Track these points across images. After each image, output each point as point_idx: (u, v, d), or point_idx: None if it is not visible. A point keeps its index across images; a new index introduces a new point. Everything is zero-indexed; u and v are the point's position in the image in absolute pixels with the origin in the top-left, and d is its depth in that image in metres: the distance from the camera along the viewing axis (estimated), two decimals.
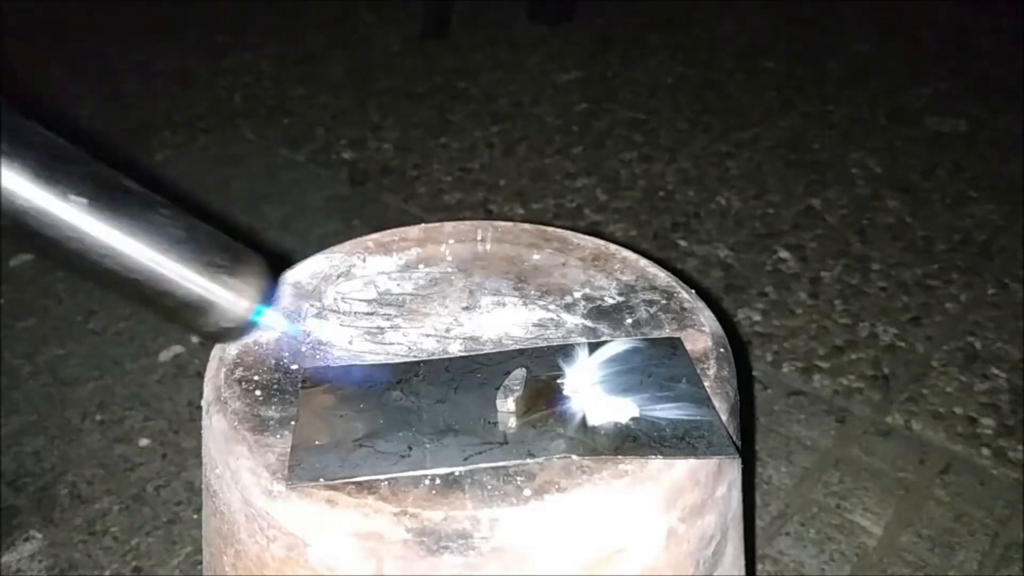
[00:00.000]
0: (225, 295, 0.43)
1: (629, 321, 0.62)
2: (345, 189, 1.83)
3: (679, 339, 0.60)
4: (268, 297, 0.45)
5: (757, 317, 1.43)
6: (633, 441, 0.50)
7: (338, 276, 0.67)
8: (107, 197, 0.39)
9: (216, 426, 0.53)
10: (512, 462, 0.49)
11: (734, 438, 0.53)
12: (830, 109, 2.11)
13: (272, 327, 0.47)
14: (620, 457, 0.49)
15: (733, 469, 0.54)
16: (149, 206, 0.41)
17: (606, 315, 0.63)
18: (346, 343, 0.60)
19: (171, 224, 0.42)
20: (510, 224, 0.73)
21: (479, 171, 1.88)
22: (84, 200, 0.38)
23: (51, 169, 0.38)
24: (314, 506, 0.47)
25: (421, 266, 0.69)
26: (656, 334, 0.61)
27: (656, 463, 0.49)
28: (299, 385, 0.56)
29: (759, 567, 1.03)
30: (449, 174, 1.87)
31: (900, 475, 1.14)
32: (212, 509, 0.54)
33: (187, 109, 2.14)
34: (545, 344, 0.60)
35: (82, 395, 1.30)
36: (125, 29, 2.56)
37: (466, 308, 0.64)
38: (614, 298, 0.65)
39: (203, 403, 0.56)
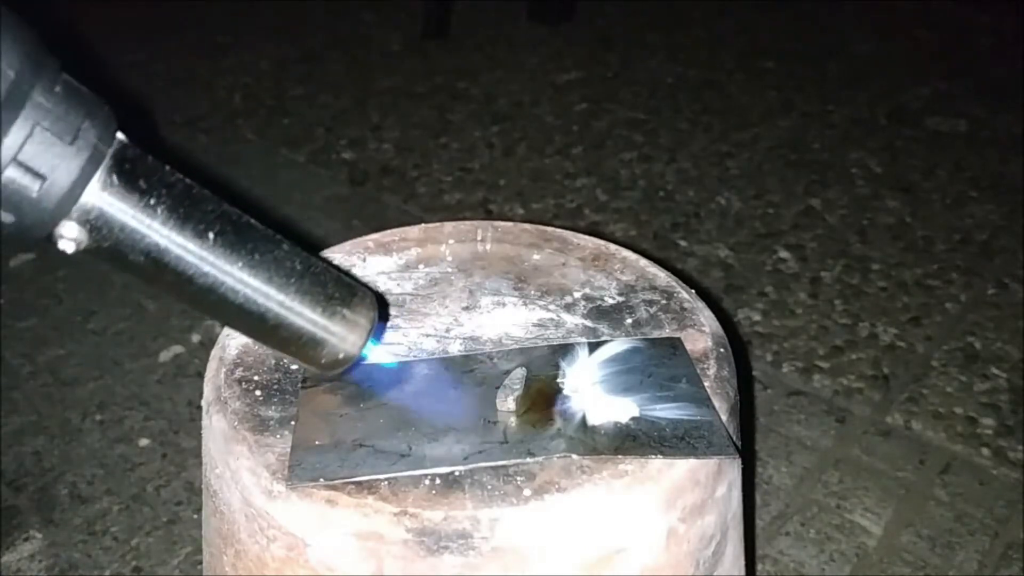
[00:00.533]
0: (340, 331, 0.44)
1: (629, 321, 0.62)
2: (345, 189, 1.83)
3: (679, 339, 0.60)
4: (377, 332, 0.46)
5: (757, 317, 1.43)
6: (633, 441, 0.50)
7: None
8: (237, 232, 0.40)
9: (216, 426, 0.53)
10: (512, 461, 0.49)
11: (734, 438, 0.53)
12: (830, 109, 2.11)
13: (378, 361, 0.49)
14: (620, 457, 0.49)
15: (733, 469, 0.54)
16: (272, 241, 0.42)
17: (606, 315, 0.63)
18: None
19: (291, 259, 0.43)
20: (510, 224, 0.73)
21: (479, 171, 1.88)
22: (219, 236, 0.39)
23: (189, 207, 0.38)
24: (314, 506, 0.47)
25: (421, 266, 0.69)
26: (656, 334, 0.61)
27: (656, 463, 0.49)
28: (299, 385, 0.56)
29: (759, 567, 1.03)
30: (449, 174, 1.87)
31: (900, 475, 1.14)
32: (212, 509, 0.54)
33: (187, 109, 2.14)
34: (545, 344, 0.60)
35: (82, 395, 1.30)
36: (125, 29, 2.56)
37: (466, 308, 0.64)
38: (614, 298, 0.65)
39: (203, 403, 0.56)
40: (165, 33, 2.56)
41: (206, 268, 0.39)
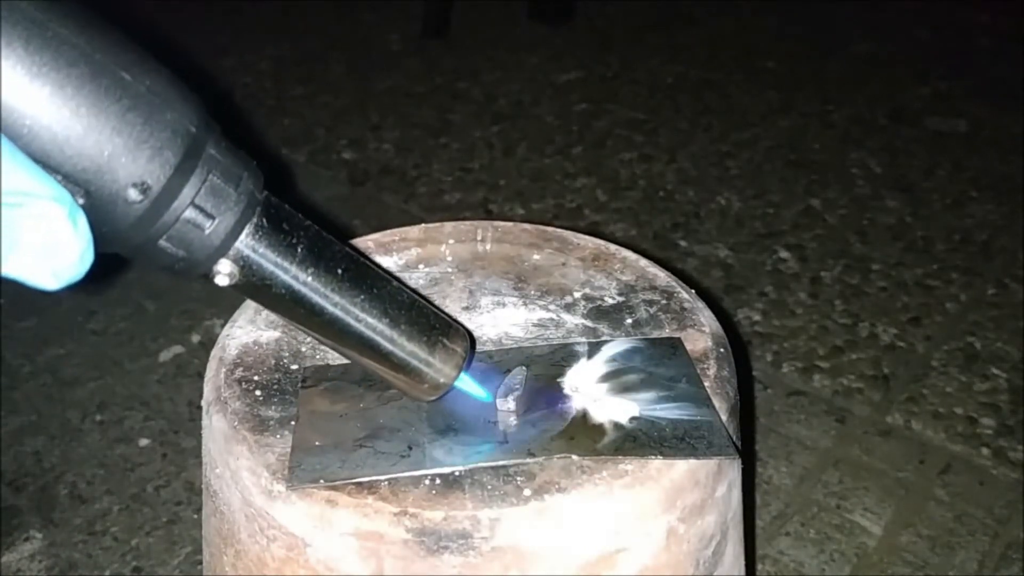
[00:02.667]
0: (439, 361, 0.49)
1: (629, 321, 0.62)
2: (345, 189, 1.83)
3: (679, 339, 0.60)
4: (469, 363, 0.51)
5: (757, 317, 1.44)
6: (633, 441, 0.50)
7: None
8: (358, 270, 0.46)
9: (216, 426, 0.53)
10: (512, 462, 0.49)
11: (734, 438, 0.53)
12: (830, 109, 2.11)
13: (469, 390, 0.53)
14: (620, 457, 0.49)
15: (733, 469, 0.54)
16: (384, 278, 0.48)
17: (606, 315, 0.63)
18: None
19: (400, 294, 0.48)
20: (510, 224, 0.73)
21: (479, 171, 1.89)
22: (346, 272, 0.45)
23: (321, 247, 0.44)
24: (314, 506, 0.47)
25: (421, 266, 0.69)
26: (656, 334, 0.61)
27: (656, 463, 0.49)
28: (299, 385, 0.56)
29: (759, 567, 1.03)
30: (449, 174, 1.87)
31: (900, 475, 1.14)
32: (212, 509, 0.54)
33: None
34: (545, 344, 0.60)
35: (82, 395, 1.30)
36: (125, 29, 2.56)
37: (466, 308, 0.64)
38: (614, 298, 0.65)
39: (203, 403, 0.56)
40: (165, 33, 2.56)
41: (335, 301, 0.45)
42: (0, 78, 0.32)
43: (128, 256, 0.40)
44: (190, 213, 0.38)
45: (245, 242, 0.41)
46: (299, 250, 0.43)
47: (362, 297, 0.46)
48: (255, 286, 0.43)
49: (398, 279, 0.51)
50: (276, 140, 2.02)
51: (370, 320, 0.46)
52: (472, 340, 0.53)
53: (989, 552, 1.04)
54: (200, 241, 0.39)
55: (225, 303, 1.45)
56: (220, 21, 2.64)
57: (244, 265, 0.41)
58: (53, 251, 0.33)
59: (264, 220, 0.42)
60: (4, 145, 0.32)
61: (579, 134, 2.02)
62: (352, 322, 0.46)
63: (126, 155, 0.35)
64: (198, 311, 1.46)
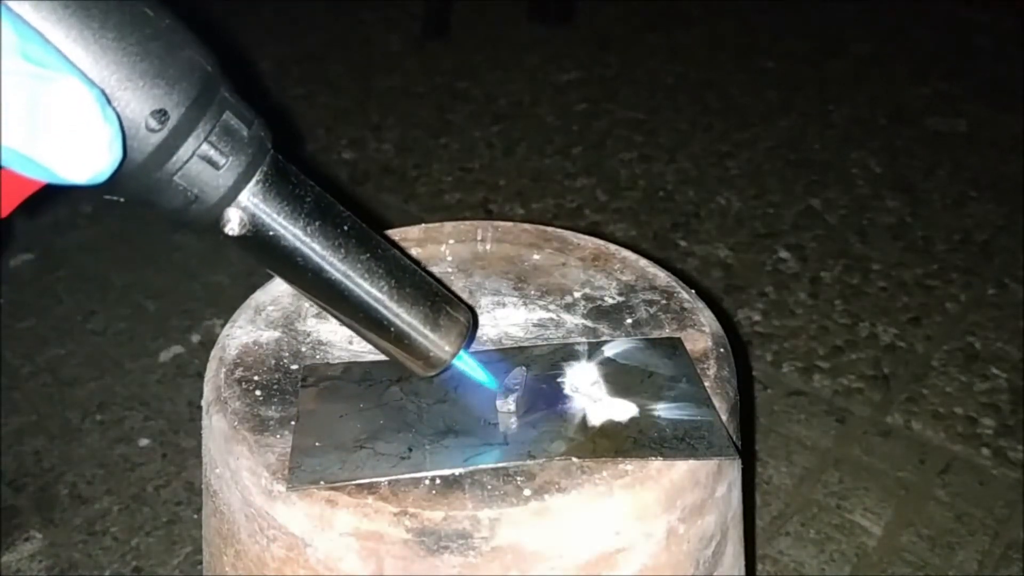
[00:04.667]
0: (439, 334, 0.49)
1: (629, 321, 0.62)
2: (345, 189, 1.83)
3: (679, 339, 0.60)
4: (471, 339, 0.50)
5: (757, 317, 1.44)
6: (633, 442, 0.50)
7: None
8: (362, 231, 0.46)
9: (216, 426, 0.53)
10: (512, 463, 0.49)
11: (734, 438, 0.53)
12: (830, 109, 2.11)
13: (470, 370, 0.52)
14: (620, 458, 0.49)
15: (733, 469, 0.54)
16: (386, 245, 0.47)
17: (606, 315, 0.63)
18: (346, 343, 0.60)
19: (402, 262, 0.48)
20: (510, 224, 0.73)
21: (479, 171, 1.89)
22: (351, 230, 0.45)
23: (327, 204, 0.45)
24: (314, 506, 0.47)
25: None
26: (656, 334, 0.61)
27: (656, 463, 0.49)
28: (299, 385, 0.56)
29: (759, 567, 1.03)
30: (449, 174, 1.87)
31: (900, 475, 1.14)
32: (212, 509, 0.54)
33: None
34: (545, 344, 0.60)
35: (82, 395, 1.30)
36: None
37: None
38: (614, 298, 0.65)
39: (203, 403, 0.56)
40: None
41: (339, 260, 0.45)
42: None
43: (139, 201, 0.39)
44: (205, 149, 0.39)
45: (255, 189, 0.41)
46: (306, 203, 0.43)
47: (365, 257, 0.45)
48: (262, 239, 0.43)
49: (402, 250, 0.50)
50: (276, 140, 2.02)
51: (372, 285, 0.46)
52: (475, 316, 0.52)
53: (989, 552, 1.04)
54: (213, 181, 0.39)
55: (225, 303, 1.45)
56: (220, 21, 2.64)
57: (254, 213, 0.42)
58: (81, 133, 0.32)
59: (273, 170, 0.42)
60: (27, 28, 0.31)
61: (579, 134, 2.02)
62: (354, 286, 0.45)
63: (147, 81, 0.36)
64: (198, 311, 1.46)
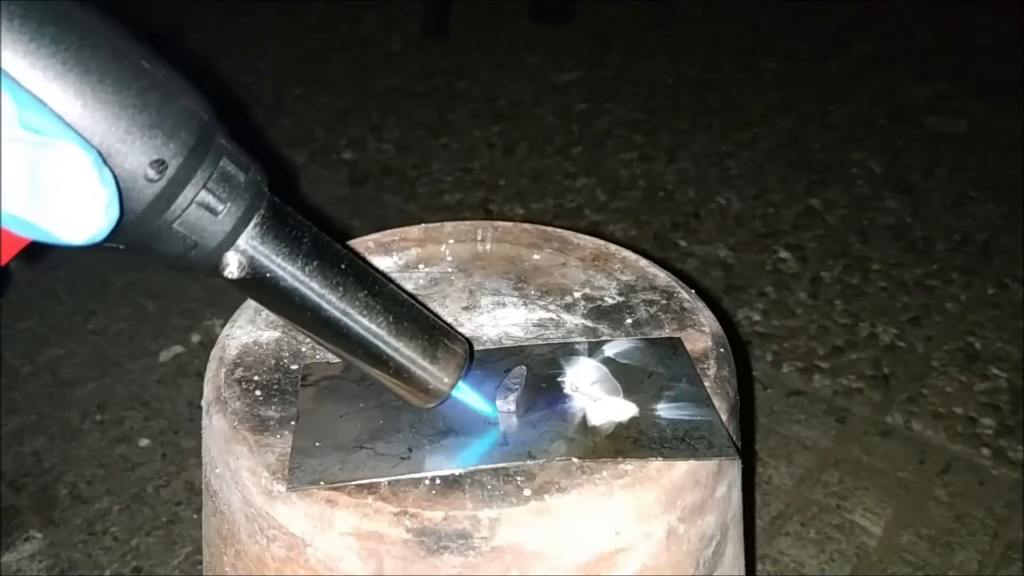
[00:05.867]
0: (437, 367, 0.49)
1: (629, 321, 0.62)
2: (345, 189, 1.83)
3: (679, 339, 0.60)
4: (466, 372, 0.51)
5: (757, 317, 1.44)
6: (633, 442, 0.50)
7: None
8: (359, 270, 0.47)
9: (216, 426, 0.53)
10: (512, 464, 0.49)
11: (734, 438, 0.53)
12: (830, 109, 2.11)
13: (468, 400, 0.52)
14: (620, 458, 0.49)
15: (733, 469, 0.54)
16: (383, 282, 0.48)
17: (606, 315, 0.63)
18: None
19: (399, 299, 0.48)
20: (510, 224, 0.73)
21: (479, 171, 1.89)
22: (348, 269, 0.46)
23: (325, 244, 0.45)
24: (314, 506, 0.47)
25: (421, 266, 0.69)
26: (656, 334, 0.61)
27: (656, 463, 0.49)
28: (299, 385, 0.56)
29: (759, 567, 1.03)
30: (449, 174, 1.87)
31: (900, 475, 1.14)
32: (212, 509, 0.54)
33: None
34: (545, 344, 0.60)
35: (82, 395, 1.30)
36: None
37: (466, 308, 0.64)
38: (614, 298, 0.65)
39: (203, 403, 0.56)
40: (165, 33, 2.56)
41: (337, 299, 0.45)
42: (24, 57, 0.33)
43: (140, 248, 0.40)
44: (203, 196, 0.39)
45: (252, 233, 0.42)
46: (303, 244, 0.44)
47: (363, 295, 0.46)
48: (260, 281, 0.43)
49: (398, 284, 0.51)
50: (276, 140, 2.02)
51: (371, 321, 0.47)
52: (471, 349, 0.53)
53: (989, 552, 1.04)
54: (212, 227, 0.40)
55: (225, 303, 1.45)
56: (220, 21, 2.64)
57: (252, 256, 0.42)
58: (79, 198, 0.33)
59: (271, 213, 0.43)
60: (26, 95, 0.32)
61: (579, 134, 2.02)
62: (352, 323, 0.46)
63: (145, 132, 0.36)
64: (198, 311, 1.46)
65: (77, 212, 0.33)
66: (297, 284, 0.44)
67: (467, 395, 0.52)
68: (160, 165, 0.37)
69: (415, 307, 0.49)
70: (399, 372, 0.48)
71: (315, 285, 0.45)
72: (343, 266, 0.46)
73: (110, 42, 0.36)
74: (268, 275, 0.43)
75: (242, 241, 0.42)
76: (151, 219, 0.39)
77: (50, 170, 0.32)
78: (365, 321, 0.46)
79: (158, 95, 0.37)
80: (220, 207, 0.40)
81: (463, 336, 0.52)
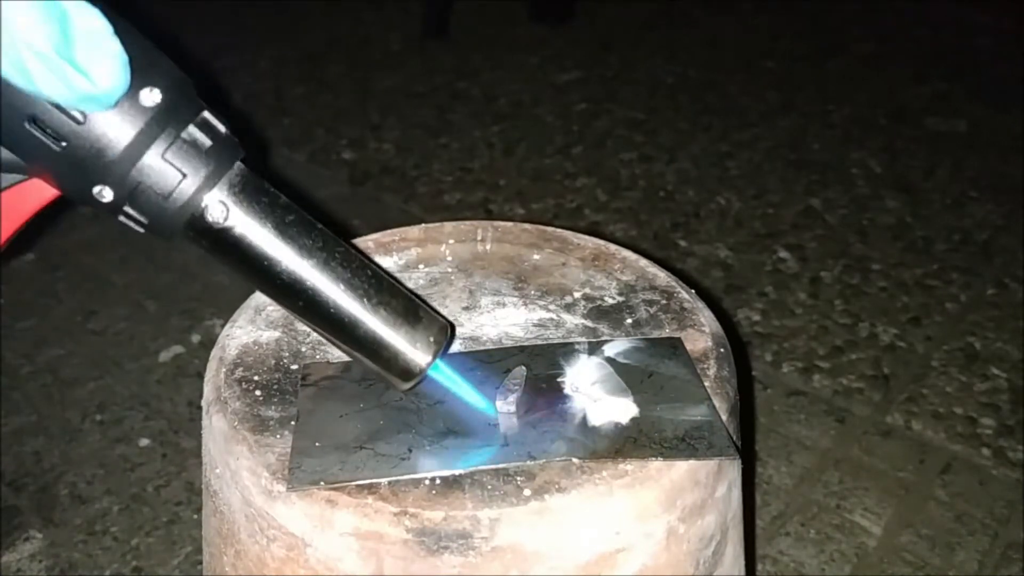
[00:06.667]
0: (411, 344, 0.49)
1: (629, 321, 0.62)
2: (345, 189, 1.83)
3: (679, 339, 0.60)
4: (445, 349, 0.51)
5: (757, 317, 1.44)
6: (633, 442, 0.50)
7: None
8: (332, 240, 0.47)
9: (216, 426, 0.53)
10: (512, 465, 0.49)
11: (734, 438, 0.53)
12: (830, 109, 2.11)
13: (449, 380, 0.52)
14: (620, 458, 0.49)
15: (733, 469, 0.54)
16: (357, 256, 0.48)
17: (606, 315, 0.63)
18: None
19: (374, 272, 0.49)
20: (510, 224, 0.73)
21: (479, 171, 1.89)
22: (320, 237, 0.47)
23: (297, 212, 0.47)
24: (314, 506, 0.47)
25: (421, 266, 0.69)
26: (656, 334, 0.61)
27: (656, 463, 0.49)
28: (299, 385, 0.56)
29: (759, 567, 1.03)
30: (449, 174, 1.87)
31: (900, 475, 1.14)
32: (212, 509, 0.54)
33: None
34: (545, 344, 0.60)
35: (82, 395, 1.30)
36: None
37: (466, 308, 0.64)
38: (614, 298, 0.65)
39: (203, 403, 0.56)
40: (165, 33, 2.56)
41: (311, 261, 0.46)
42: None
43: (131, 196, 0.42)
44: (191, 131, 0.42)
45: (234, 180, 0.44)
46: (280, 202, 0.46)
47: (337, 258, 0.47)
48: (237, 236, 0.44)
49: (371, 260, 0.51)
50: (276, 140, 2.02)
51: (345, 286, 0.47)
52: (451, 328, 0.52)
53: (989, 552, 1.04)
54: (198, 161, 0.42)
55: (225, 303, 1.45)
56: (220, 21, 2.64)
57: (232, 203, 0.44)
58: (103, 48, 0.37)
59: (248, 172, 0.45)
60: None
61: (579, 134, 2.02)
62: (325, 288, 0.46)
63: (140, 66, 0.40)
64: (198, 311, 1.46)
65: (101, 60, 0.37)
66: (273, 237, 0.45)
67: (445, 375, 0.51)
68: (152, 90, 0.40)
69: (390, 279, 0.49)
70: (372, 342, 0.48)
71: (290, 241, 0.45)
72: (318, 227, 0.47)
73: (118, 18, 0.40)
74: (245, 226, 0.44)
75: (223, 187, 0.44)
76: (145, 143, 0.41)
77: (78, 23, 0.37)
78: (339, 285, 0.47)
79: (151, 47, 0.42)
80: (206, 143, 0.43)
81: (443, 316, 0.51)
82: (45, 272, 1.57)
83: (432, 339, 0.49)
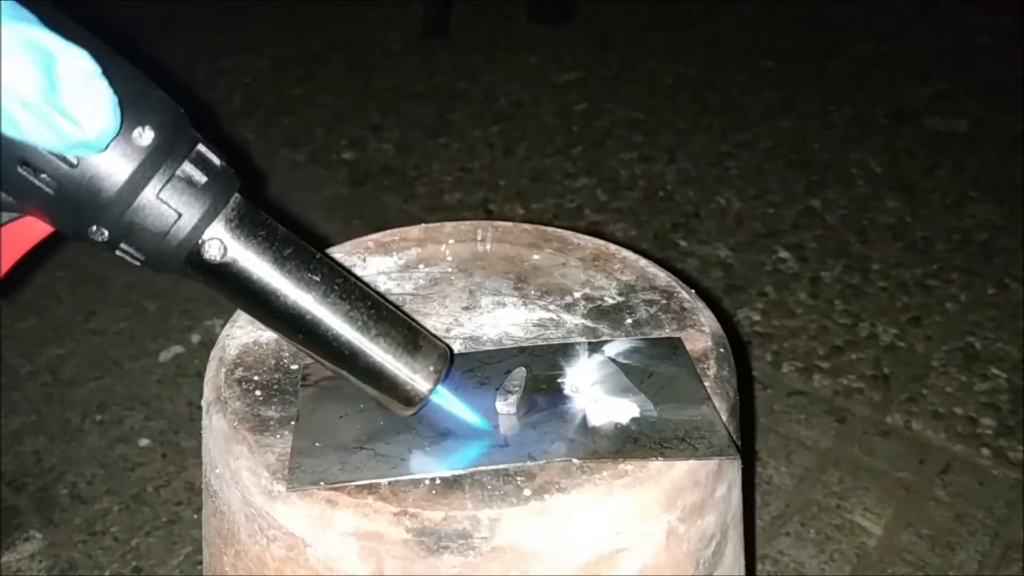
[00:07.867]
0: (412, 373, 0.49)
1: (629, 321, 0.62)
2: (345, 189, 1.83)
3: (679, 339, 0.60)
4: (445, 377, 0.51)
5: (757, 317, 1.44)
6: (633, 442, 0.50)
7: None
8: (332, 271, 0.47)
9: (216, 426, 0.53)
10: (512, 465, 0.49)
11: (734, 438, 0.53)
12: (830, 109, 2.11)
13: (450, 405, 0.52)
14: (620, 458, 0.49)
15: (733, 469, 0.54)
16: (358, 286, 0.49)
17: (606, 315, 0.63)
18: None
19: (374, 302, 0.49)
20: (510, 224, 0.73)
21: (479, 171, 1.89)
22: (322, 269, 0.47)
23: (296, 243, 0.47)
24: (314, 506, 0.47)
25: (421, 266, 0.69)
26: (656, 334, 0.61)
27: (656, 463, 0.49)
28: (299, 385, 0.56)
29: (759, 567, 1.03)
30: (449, 174, 1.87)
31: (900, 475, 1.14)
32: (212, 509, 0.54)
33: (187, 110, 2.14)
34: (545, 344, 0.60)
35: (82, 395, 1.30)
36: (124, 29, 2.56)
37: (466, 308, 0.64)
38: (614, 298, 0.65)
39: (203, 403, 0.56)
40: (164, 33, 2.56)
41: (310, 292, 0.46)
42: None
43: (127, 233, 0.42)
44: (186, 168, 0.42)
45: (231, 215, 0.44)
46: (278, 234, 0.46)
47: (337, 288, 0.47)
48: (237, 269, 0.45)
49: (373, 289, 0.51)
50: (276, 140, 2.02)
51: (344, 316, 0.47)
52: (450, 353, 0.52)
53: (989, 552, 1.04)
54: (194, 199, 0.42)
55: (225, 303, 1.45)
56: (220, 21, 2.64)
57: (230, 239, 0.44)
58: (91, 93, 0.36)
59: (245, 204, 0.45)
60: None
61: (579, 134, 2.02)
62: (325, 319, 0.46)
63: (132, 102, 0.40)
64: (198, 311, 1.46)
65: (89, 106, 0.36)
66: (272, 271, 0.45)
67: (452, 404, 0.51)
68: (145, 129, 0.40)
69: (390, 307, 0.49)
70: (373, 372, 0.48)
71: (289, 275, 0.45)
72: (317, 257, 0.47)
73: (107, 52, 0.39)
74: (244, 260, 0.44)
75: (220, 222, 0.44)
76: (139, 184, 0.40)
77: (64, 67, 0.36)
78: (338, 318, 0.47)
79: (143, 81, 0.41)
80: (202, 179, 0.42)
81: (443, 342, 0.51)
82: (45, 272, 1.57)
83: (432, 367, 0.49)
